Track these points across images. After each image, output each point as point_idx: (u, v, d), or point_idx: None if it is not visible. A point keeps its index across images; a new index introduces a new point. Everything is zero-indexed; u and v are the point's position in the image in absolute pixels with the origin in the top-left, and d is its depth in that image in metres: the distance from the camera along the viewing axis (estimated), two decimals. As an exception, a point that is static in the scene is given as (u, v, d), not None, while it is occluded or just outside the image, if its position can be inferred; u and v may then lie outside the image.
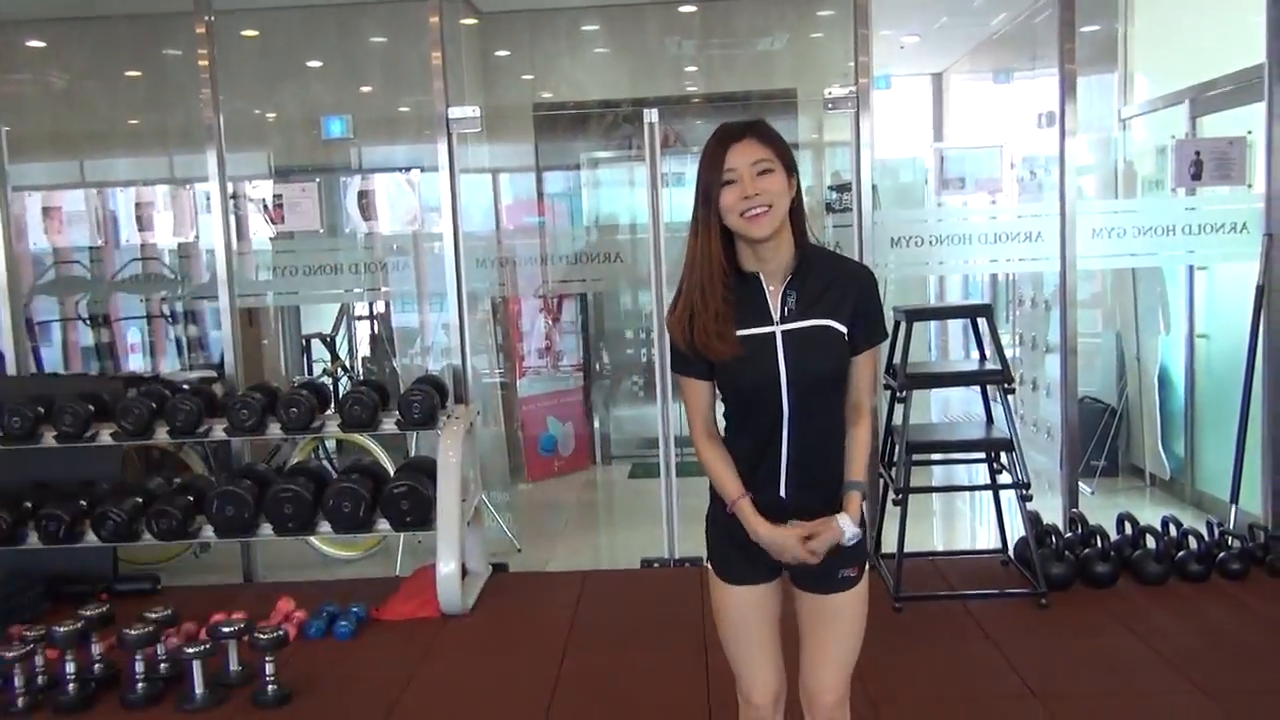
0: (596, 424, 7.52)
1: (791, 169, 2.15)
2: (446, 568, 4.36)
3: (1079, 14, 4.85)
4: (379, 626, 4.35)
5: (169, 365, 7.20)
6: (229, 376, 5.26)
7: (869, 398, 2.28)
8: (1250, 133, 4.77)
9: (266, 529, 4.53)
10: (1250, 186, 4.83)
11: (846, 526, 2.19)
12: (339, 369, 7.27)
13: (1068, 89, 4.86)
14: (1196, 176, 4.75)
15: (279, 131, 7.25)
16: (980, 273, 7.19)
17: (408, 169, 7.50)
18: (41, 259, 6.00)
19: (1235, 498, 4.68)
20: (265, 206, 5.69)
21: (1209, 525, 4.52)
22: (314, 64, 7.14)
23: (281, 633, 3.69)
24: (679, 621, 4.14)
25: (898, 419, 4.38)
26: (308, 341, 7.61)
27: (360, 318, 8.15)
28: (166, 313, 7.06)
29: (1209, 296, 5.51)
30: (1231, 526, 4.60)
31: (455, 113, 5.00)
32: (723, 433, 2.30)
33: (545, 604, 4.54)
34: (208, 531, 4.56)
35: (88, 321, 6.80)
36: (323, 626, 4.28)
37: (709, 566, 2.33)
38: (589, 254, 5.50)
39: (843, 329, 2.16)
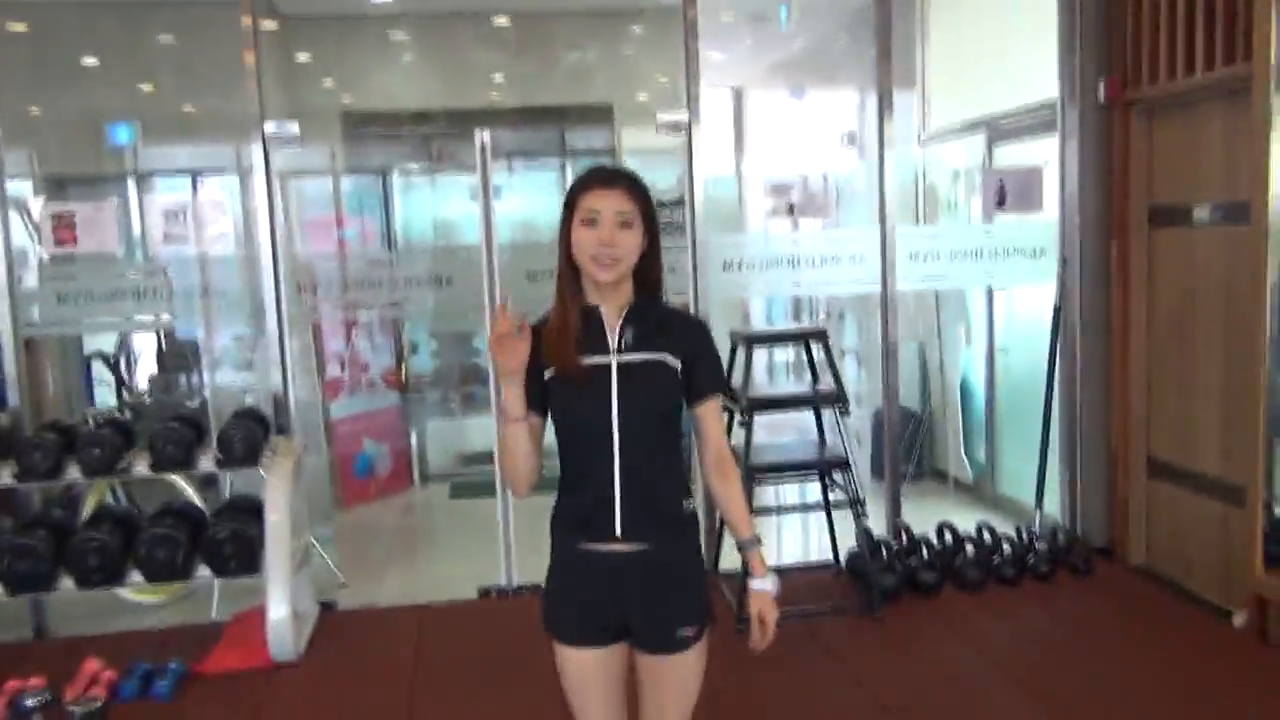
0: (413, 441, 7.31)
1: (650, 224, 2.21)
2: (278, 613, 4.09)
3: (870, 37, 5.06)
4: (202, 681, 4.03)
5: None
6: (13, 411, 4.75)
7: (727, 449, 2.33)
8: (1046, 163, 5.14)
9: (68, 583, 4.12)
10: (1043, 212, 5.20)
11: (765, 585, 2.26)
12: (124, 393, 6.74)
13: (886, 106, 5.01)
14: (1001, 203, 5.07)
15: (51, 135, 6.63)
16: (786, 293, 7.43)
17: (195, 174, 7.04)
18: None
19: (1039, 502, 5.04)
20: (30, 220, 5.18)
21: (1018, 530, 4.85)
22: (90, 62, 6.56)
23: (98, 705, 3.36)
24: (530, 658, 3.98)
25: (737, 441, 4.46)
26: (88, 362, 7.00)
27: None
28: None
29: (1007, 312, 5.91)
30: (1037, 529, 4.94)
31: (273, 128, 4.69)
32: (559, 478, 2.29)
33: (383, 645, 4.35)
34: (-4, 589, 4.10)
35: None
36: (137, 687, 3.91)
37: (546, 629, 2.30)
38: (401, 277, 5.20)
39: (676, 365, 2.22)
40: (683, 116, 4.79)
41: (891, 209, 4.98)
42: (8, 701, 3.62)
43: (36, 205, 5.03)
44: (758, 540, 2.30)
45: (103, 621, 4.75)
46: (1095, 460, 5.04)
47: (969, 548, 4.73)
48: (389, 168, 7.66)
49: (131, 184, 6.76)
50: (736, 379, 4.46)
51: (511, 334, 2.11)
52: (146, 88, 6.75)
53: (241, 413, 4.53)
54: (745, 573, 2.33)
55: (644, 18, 6.97)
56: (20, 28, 6.05)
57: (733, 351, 4.52)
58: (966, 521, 5.04)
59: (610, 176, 2.18)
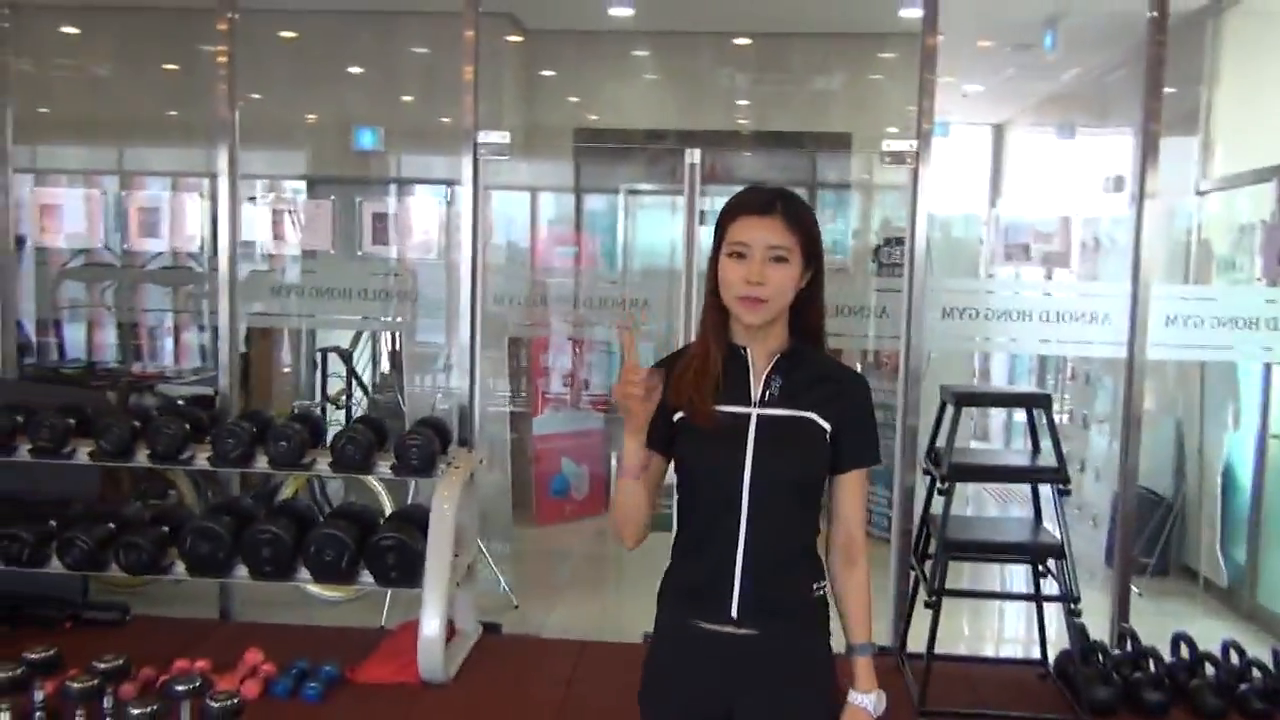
0: (614, 465, 7.17)
1: (813, 258, 1.90)
2: (430, 631, 3.98)
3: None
4: (351, 689, 3.98)
5: (191, 364, 6.94)
6: (223, 396, 4.95)
7: (861, 532, 1.98)
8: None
9: (241, 570, 4.20)
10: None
11: (866, 702, 1.90)
12: (354, 385, 6.96)
13: (1149, 151, 4.41)
14: (1287, 266, 4.33)
15: (310, 138, 7.01)
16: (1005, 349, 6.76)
17: (447, 183, 7.23)
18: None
19: (1307, 626, 4.23)
20: (294, 214, 5.38)
21: (1275, 655, 4.06)
22: (351, 69, 6.89)
23: (235, 701, 3.31)
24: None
25: (934, 508, 3.99)
26: (324, 355, 7.32)
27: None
28: (195, 310, 6.78)
29: (1287, 395, 5.07)
30: (1302, 660, 4.13)
31: (484, 136, 4.66)
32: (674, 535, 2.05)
33: (535, 677, 4.16)
34: (179, 568, 4.24)
35: (112, 310, 6.52)
36: (289, 686, 3.91)
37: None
38: (623, 298, 5.05)
39: (826, 427, 1.91)
40: (910, 146, 4.37)
41: (1148, 265, 4.34)
42: (162, 683, 3.69)
43: (267, 200, 5.23)
44: (872, 647, 1.97)
45: (282, 611, 4.86)
46: (1386, 583, 4.17)
47: (1209, 667, 4.01)
48: (619, 186, 7.63)
49: (370, 189, 7.05)
50: (941, 440, 3.99)
51: (640, 393, 1.84)
52: (397, 96, 7.02)
53: (424, 421, 4.50)
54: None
55: (889, 43, 6.55)
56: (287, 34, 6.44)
57: (940, 409, 4.05)
58: (1213, 631, 4.33)
59: (765, 202, 1.89)
